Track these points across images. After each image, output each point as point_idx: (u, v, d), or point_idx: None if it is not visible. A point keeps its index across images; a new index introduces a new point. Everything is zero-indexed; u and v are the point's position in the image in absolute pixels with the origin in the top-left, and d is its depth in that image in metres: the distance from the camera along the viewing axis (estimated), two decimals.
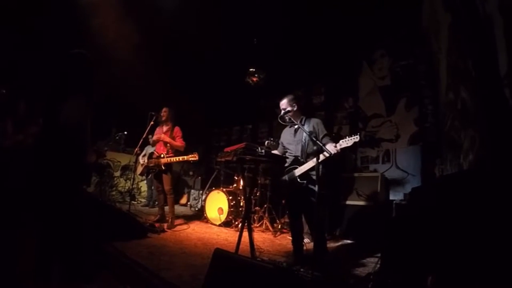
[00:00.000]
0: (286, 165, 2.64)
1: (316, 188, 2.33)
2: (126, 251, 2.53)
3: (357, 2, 4.10)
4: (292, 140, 2.73)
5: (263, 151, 2.39)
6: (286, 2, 4.26)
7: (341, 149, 2.35)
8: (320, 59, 5.45)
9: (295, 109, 2.69)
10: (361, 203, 3.95)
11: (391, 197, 4.19)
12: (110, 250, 2.55)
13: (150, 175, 6.04)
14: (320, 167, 2.31)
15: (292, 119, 2.63)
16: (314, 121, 2.71)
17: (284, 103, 2.71)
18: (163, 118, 4.26)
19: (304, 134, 2.56)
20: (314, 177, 2.40)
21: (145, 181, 6.50)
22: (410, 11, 4.12)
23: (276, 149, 2.98)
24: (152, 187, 6.02)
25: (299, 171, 2.50)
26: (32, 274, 1.54)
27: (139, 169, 5.88)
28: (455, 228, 1.54)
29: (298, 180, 2.47)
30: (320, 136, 2.59)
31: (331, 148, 2.33)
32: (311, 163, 2.42)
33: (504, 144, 1.53)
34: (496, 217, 1.29)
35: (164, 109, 4.28)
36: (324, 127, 2.69)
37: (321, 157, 2.33)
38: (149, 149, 6.01)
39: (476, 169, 2.08)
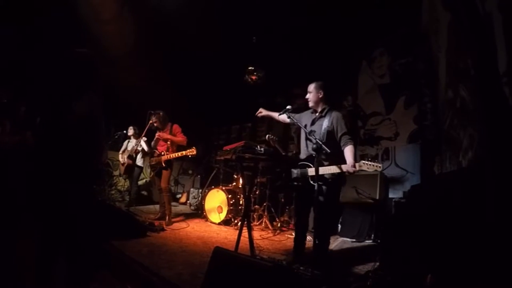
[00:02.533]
0: (302, 157, 2.55)
1: (324, 189, 2.33)
2: (126, 250, 2.54)
3: (357, 0, 4.08)
4: (309, 127, 2.58)
5: (262, 149, 2.38)
6: (285, 1, 4.24)
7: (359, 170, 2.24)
8: (319, 57, 5.44)
9: (320, 96, 2.57)
10: (360, 201, 3.95)
11: (390, 195, 4.18)
12: (109, 249, 2.55)
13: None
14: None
15: (313, 106, 2.58)
16: (335, 115, 2.53)
17: (312, 87, 2.60)
18: (158, 125, 4.14)
19: (323, 126, 2.46)
20: (326, 176, 2.35)
21: (144, 180, 6.47)
22: (409, 9, 4.11)
23: (276, 144, 2.92)
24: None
25: (311, 171, 2.37)
26: (33, 275, 1.53)
27: (121, 168, 5.46)
28: (454, 225, 1.55)
29: (310, 181, 2.37)
30: (339, 135, 2.46)
31: (348, 163, 2.24)
32: (326, 169, 2.32)
33: (503, 142, 1.53)
34: (494, 215, 1.30)
35: (152, 118, 4.11)
36: (345, 123, 2.52)
37: (335, 169, 2.27)
38: (129, 145, 5.49)
39: (475, 167, 2.08)
